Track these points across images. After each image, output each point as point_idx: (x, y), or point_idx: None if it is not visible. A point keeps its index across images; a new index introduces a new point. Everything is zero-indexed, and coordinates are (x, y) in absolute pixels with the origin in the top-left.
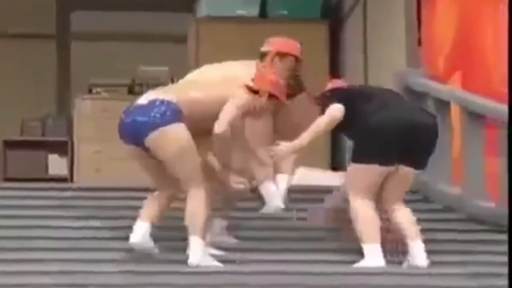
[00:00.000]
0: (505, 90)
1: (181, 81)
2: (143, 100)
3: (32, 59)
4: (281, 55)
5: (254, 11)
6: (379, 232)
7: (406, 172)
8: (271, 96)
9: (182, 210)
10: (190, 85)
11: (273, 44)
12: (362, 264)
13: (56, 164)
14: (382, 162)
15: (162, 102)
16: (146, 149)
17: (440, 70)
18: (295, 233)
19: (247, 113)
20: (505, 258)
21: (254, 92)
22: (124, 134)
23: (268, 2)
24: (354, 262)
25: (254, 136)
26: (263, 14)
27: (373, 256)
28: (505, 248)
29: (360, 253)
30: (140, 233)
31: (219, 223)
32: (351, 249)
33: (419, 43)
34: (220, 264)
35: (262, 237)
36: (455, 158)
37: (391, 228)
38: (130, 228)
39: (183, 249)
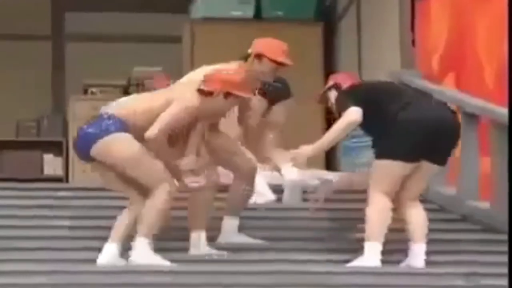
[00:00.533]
0: (497, 90)
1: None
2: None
3: (27, 60)
4: (259, 57)
5: (249, 12)
6: (385, 232)
7: (429, 168)
8: (228, 94)
9: (182, 209)
10: (139, 97)
11: (254, 45)
12: (359, 262)
13: (52, 164)
14: (409, 159)
15: (103, 116)
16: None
17: (434, 70)
18: (293, 233)
19: (219, 114)
20: (499, 258)
21: (208, 94)
22: (75, 150)
23: (263, 3)
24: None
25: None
26: (258, 15)
27: (372, 256)
28: (499, 247)
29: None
30: (108, 254)
31: (231, 223)
32: (349, 249)
33: (413, 43)
34: (167, 263)
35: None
36: (450, 159)
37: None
38: None
39: (183, 249)
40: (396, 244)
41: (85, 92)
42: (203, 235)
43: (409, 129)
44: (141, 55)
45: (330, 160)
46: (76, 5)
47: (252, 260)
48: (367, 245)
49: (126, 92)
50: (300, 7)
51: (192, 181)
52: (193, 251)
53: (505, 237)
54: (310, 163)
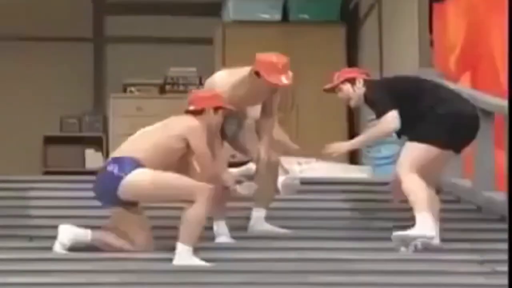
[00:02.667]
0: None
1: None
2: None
3: (71, 61)
4: (257, 74)
5: (277, 15)
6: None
7: (450, 156)
8: (217, 108)
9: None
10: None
11: (255, 61)
12: (414, 232)
13: (92, 158)
14: (443, 146)
15: (113, 160)
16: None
17: (451, 69)
18: (316, 222)
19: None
20: None
21: (199, 112)
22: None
23: (290, 6)
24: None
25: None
26: (285, 18)
27: (425, 225)
28: None
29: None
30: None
31: (259, 215)
32: (372, 237)
33: (431, 44)
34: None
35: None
36: (466, 153)
37: None
38: (158, 218)
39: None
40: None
41: (124, 90)
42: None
43: (448, 121)
44: (176, 56)
45: (353, 154)
46: (115, 9)
47: (279, 248)
48: (418, 216)
49: (162, 90)
50: (325, 10)
51: (243, 188)
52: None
53: None
54: (334, 157)
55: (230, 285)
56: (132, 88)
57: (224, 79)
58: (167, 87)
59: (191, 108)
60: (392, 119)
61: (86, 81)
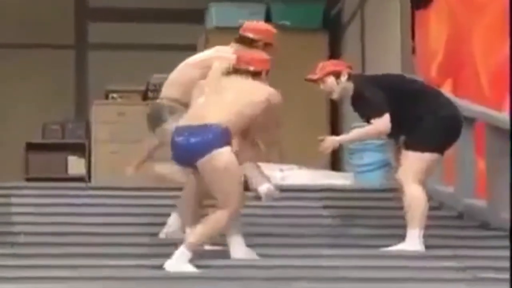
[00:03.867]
0: (492, 95)
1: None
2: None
3: (53, 67)
4: (268, 44)
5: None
6: (424, 218)
7: (439, 159)
8: (267, 72)
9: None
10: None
11: (260, 33)
12: (401, 247)
13: (75, 165)
14: (438, 150)
15: (212, 126)
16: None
17: (433, 76)
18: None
19: None
20: (495, 252)
21: (258, 74)
22: (178, 154)
23: (272, 13)
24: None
25: None
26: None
27: (414, 242)
28: (494, 243)
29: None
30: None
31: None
32: (355, 244)
33: (413, 51)
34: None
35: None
36: (447, 159)
37: None
38: (141, 224)
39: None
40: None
41: (107, 97)
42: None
43: (446, 124)
44: (159, 62)
45: (335, 161)
46: (98, 15)
47: (262, 255)
48: (409, 232)
49: (145, 97)
50: (307, 17)
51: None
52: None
53: (500, 233)
54: (316, 164)
55: None
56: (115, 95)
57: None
58: (150, 93)
59: (252, 68)
60: (386, 121)
61: (69, 87)
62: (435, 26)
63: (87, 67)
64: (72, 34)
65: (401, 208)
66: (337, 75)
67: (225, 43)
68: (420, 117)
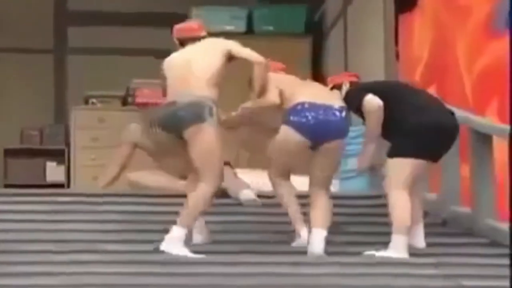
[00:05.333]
0: (476, 100)
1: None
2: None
3: (31, 72)
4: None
5: (241, 27)
6: (409, 226)
7: (428, 164)
8: None
9: None
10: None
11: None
12: (387, 254)
13: (54, 171)
14: (419, 156)
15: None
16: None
17: (417, 81)
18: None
19: None
20: (480, 260)
21: None
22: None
23: (254, 18)
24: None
25: None
26: (249, 29)
27: (399, 248)
28: (479, 250)
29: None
30: None
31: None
32: (336, 252)
33: (397, 56)
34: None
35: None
36: (431, 166)
37: None
38: (122, 231)
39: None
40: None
41: (86, 102)
42: None
43: (421, 131)
44: (139, 67)
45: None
46: (77, 20)
47: (242, 262)
48: (394, 238)
49: (125, 102)
50: (290, 22)
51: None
52: None
53: (483, 240)
54: (299, 171)
55: None
56: (94, 100)
57: None
58: (130, 99)
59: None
60: (371, 99)
61: (47, 92)
62: (419, 31)
63: (66, 71)
64: (51, 38)
65: (386, 215)
66: (339, 87)
67: None
68: (400, 121)
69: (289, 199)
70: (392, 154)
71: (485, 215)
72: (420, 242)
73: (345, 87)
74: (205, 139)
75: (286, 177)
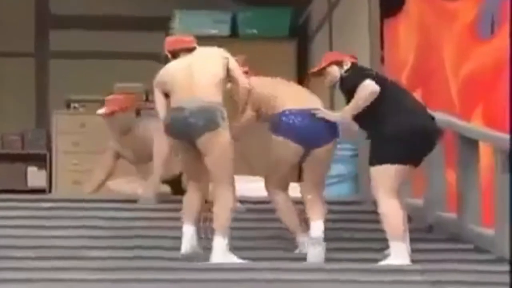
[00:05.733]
0: (462, 105)
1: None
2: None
3: (12, 76)
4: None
5: (225, 30)
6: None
7: (410, 170)
8: None
9: None
10: None
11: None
12: (389, 261)
13: (35, 176)
14: (404, 161)
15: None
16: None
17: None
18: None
19: None
20: (465, 266)
21: None
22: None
23: (238, 21)
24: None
25: None
26: (234, 33)
27: (399, 255)
28: (464, 256)
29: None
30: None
31: None
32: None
33: (382, 61)
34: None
35: None
36: (416, 171)
37: None
38: (105, 237)
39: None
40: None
41: (68, 106)
42: None
43: (402, 136)
44: (122, 71)
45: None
46: (59, 23)
47: (231, 269)
48: (392, 245)
49: None
50: (274, 25)
51: None
52: None
53: (469, 246)
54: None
55: None
56: (76, 104)
57: None
58: None
59: None
60: (370, 83)
61: (29, 97)
62: (404, 35)
63: (47, 75)
64: (32, 42)
65: (371, 221)
66: (339, 64)
67: None
68: (383, 122)
69: (289, 208)
70: (375, 161)
71: (470, 220)
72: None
73: (346, 66)
74: (222, 144)
75: (285, 188)
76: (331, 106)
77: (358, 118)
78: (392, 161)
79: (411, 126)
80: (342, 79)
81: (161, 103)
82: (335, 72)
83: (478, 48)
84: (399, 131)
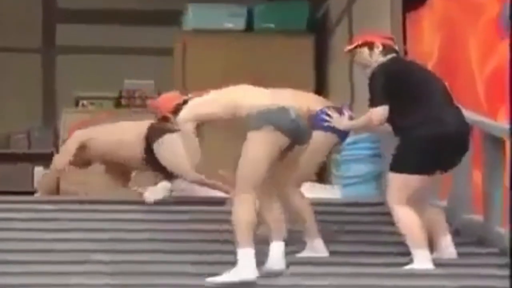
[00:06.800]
0: (488, 101)
1: None
2: None
3: (18, 72)
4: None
5: (241, 24)
6: (424, 236)
7: (437, 176)
8: None
9: None
10: None
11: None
12: (413, 266)
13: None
14: (426, 172)
15: None
16: None
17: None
18: None
19: None
20: (492, 271)
21: None
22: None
23: (254, 15)
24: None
25: None
26: (249, 27)
27: (422, 261)
28: (491, 260)
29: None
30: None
31: None
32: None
33: (405, 55)
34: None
35: None
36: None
37: None
38: (111, 240)
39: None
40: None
41: (77, 104)
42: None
43: (430, 146)
44: (132, 67)
45: (320, 173)
46: (67, 17)
47: None
48: (414, 253)
49: (118, 104)
50: (292, 19)
51: None
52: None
53: (494, 250)
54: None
55: None
56: (85, 102)
57: None
58: (123, 100)
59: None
60: (379, 112)
61: (35, 94)
62: (428, 29)
63: (54, 71)
64: (39, 37)
65: (390, 223)
66: (370, 46)
67: (203, 46)
68: (410, 128)
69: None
70: (396, 168)
71: (496, 223)
72: (451, 253)
73: (377, 50)
74: None
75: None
76: (352, 89)
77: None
78: (413, 172)
79: (439, 134)
80: (372, 74)
81: None
82: (364, 54)
83: (504, 44)
84: (425, 140)
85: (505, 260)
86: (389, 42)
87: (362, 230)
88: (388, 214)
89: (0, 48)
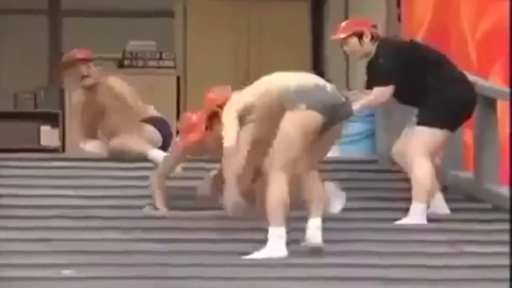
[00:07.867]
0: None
1: None
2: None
3: (25, 34)
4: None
5: None
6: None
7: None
8: None
9: None
10: None
11: None
12: (405, 221)
13: (48, 135)
14: (451, 127)
15: None
16: None
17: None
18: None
19: None
20: (482, 226)
21: None
22: None
23: None
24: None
25: None
26: None
27: (418, 216)
28: (481, 216)
29: None
30: None
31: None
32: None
33: (399, 19)
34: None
35: None
36: None
37: None
38: (116, 197)
39: None
40: None
41: None
42: None
43: (456, 104)
44: (136, 29)
45: None
46: None
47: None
48: (413, 206)
49: (121, 65)
50: None
51: None
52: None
53: (485, 205)
54: None
55: None
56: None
57: None
58: (126, 61)
59: None
60: (386, 92)
61: (41, 55)
62: None
63: (60, 33)
64: (45, 0)
65: (388, 180)
66: (359, 35)
67: (205, 9)
68: (433, 89)
69: None
70: (425, 122)
71: (487, 179)
72: (444, 208)
73: (366, 39)
74: None
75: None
76: (347, 71)
77: (405, 90)
78: (442, 126)
79: (463, 96)
80: (371, 60)
81: None
82: (355, 43)
83: (496, 4)
84: (456, 99)
85: (498, 215)
86: (375, 30)
87: (359, 187)
88: (383, 171)
89: (8, 10)
